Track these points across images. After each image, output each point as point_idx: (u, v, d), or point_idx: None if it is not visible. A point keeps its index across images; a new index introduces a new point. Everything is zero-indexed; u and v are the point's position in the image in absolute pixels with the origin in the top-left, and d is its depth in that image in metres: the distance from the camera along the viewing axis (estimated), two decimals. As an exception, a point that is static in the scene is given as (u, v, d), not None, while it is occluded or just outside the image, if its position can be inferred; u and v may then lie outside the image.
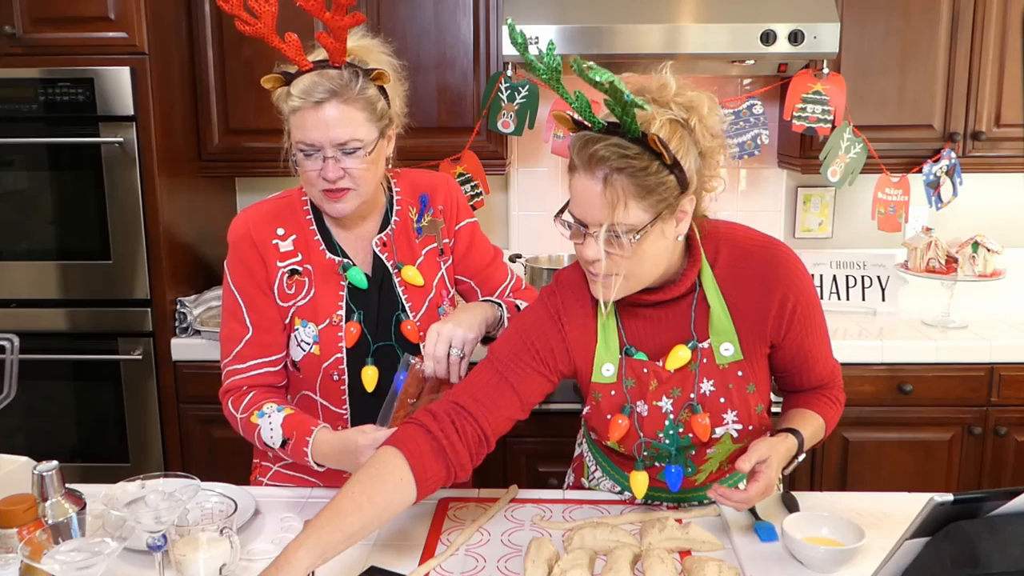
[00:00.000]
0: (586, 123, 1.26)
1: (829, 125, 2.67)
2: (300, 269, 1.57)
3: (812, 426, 1.45)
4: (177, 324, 2.67)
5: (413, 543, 1.44)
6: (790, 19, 2.48)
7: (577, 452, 1.76)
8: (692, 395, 1.41)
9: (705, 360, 1.41)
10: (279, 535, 1.46)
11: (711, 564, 1.28)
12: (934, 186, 2.80)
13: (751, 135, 2.81)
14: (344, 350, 1.57)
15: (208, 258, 2.95)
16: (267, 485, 1.69)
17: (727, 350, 1.40)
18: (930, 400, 2.63)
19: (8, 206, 2.59)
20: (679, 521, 1.43)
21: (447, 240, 1.67)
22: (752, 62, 2.66)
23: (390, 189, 1.66)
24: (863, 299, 2.99)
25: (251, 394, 1.57)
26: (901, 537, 1.01)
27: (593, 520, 1.47)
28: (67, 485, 1.34)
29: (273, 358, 1.59)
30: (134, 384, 2.66)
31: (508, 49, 2.51)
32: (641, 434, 1.44)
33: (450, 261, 1.68)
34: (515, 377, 1.41)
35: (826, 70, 2.64)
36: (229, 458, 2.71)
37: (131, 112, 2.51)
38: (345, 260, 1.59)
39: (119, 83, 2.49)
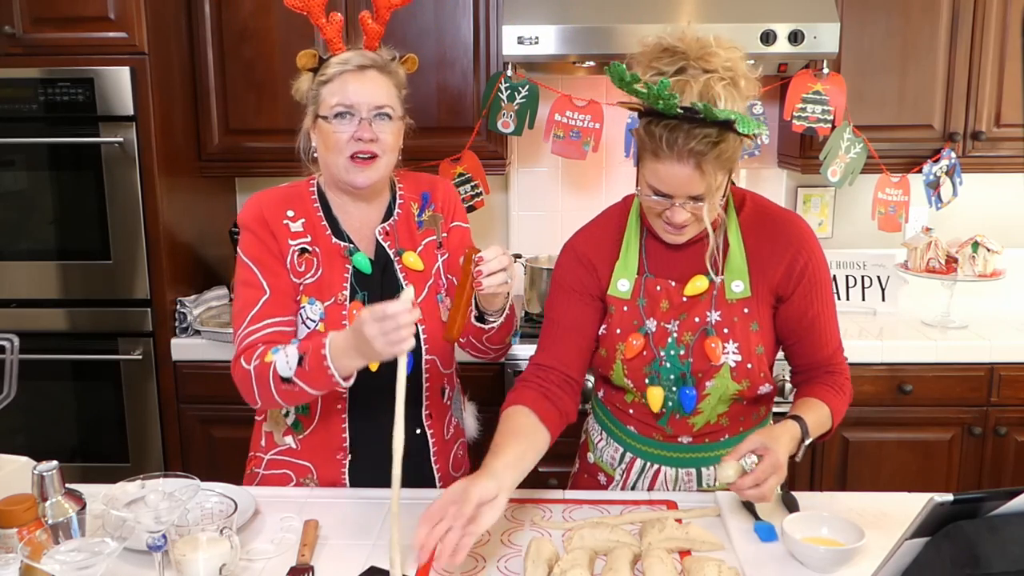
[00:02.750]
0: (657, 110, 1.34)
1: (829, 125, 2.67)
2: (310, 249, 1.62)
3: (817, 413, 1.49)
4: (177, 324, 2.67)
5: (413, 543, 1.44)
6: (790, 19, 2.48)
7: (582, 439, 1.80)
8: (697, 319, 1.53)
9: (716, 293, 1.53)
10: (279, 535, 1.46)
11: (711, 564, 1.28)
12: (934, 186, 2.80)
13: (751, 135, 2.80)
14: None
15: (208, 258, 2.95)
16: (262, 476, 1.71)
17: (737, 286, 1.52)
18: (930, 400, 2.63)
19: (8, 206, 2.59)
20: (679, 521, 1.43)
21: (445, 235, 1.73)
22: (752, 62, 2.65)
23: (394, 184, 1.73)
24: (863, 299, 2.99)
25: (263, 346, 1.56)
26: (901, 537, 1.01)
27: (593, 520, 1.47)
28: (67, 485, 1.33)
29: (288, 318, 1.60)
30: (134, 384, 2.66)
31: (508, 49, 2.51)
32: (654, 347, 1.54)
33: (447, 255, 1.72)
34: (567, 318, 1.57)
35: (826, 70, 2.64)
36: (229, 458, 2.70)
37: (131, 112, 2.51)
38: (350, 245, 1.64)
39: (119, 83, 2.49)
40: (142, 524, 1.19)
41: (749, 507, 1.53)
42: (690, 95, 1.32)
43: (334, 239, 1.64)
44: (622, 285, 1.55)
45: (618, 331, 1.55)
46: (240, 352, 1.58)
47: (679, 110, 1.31)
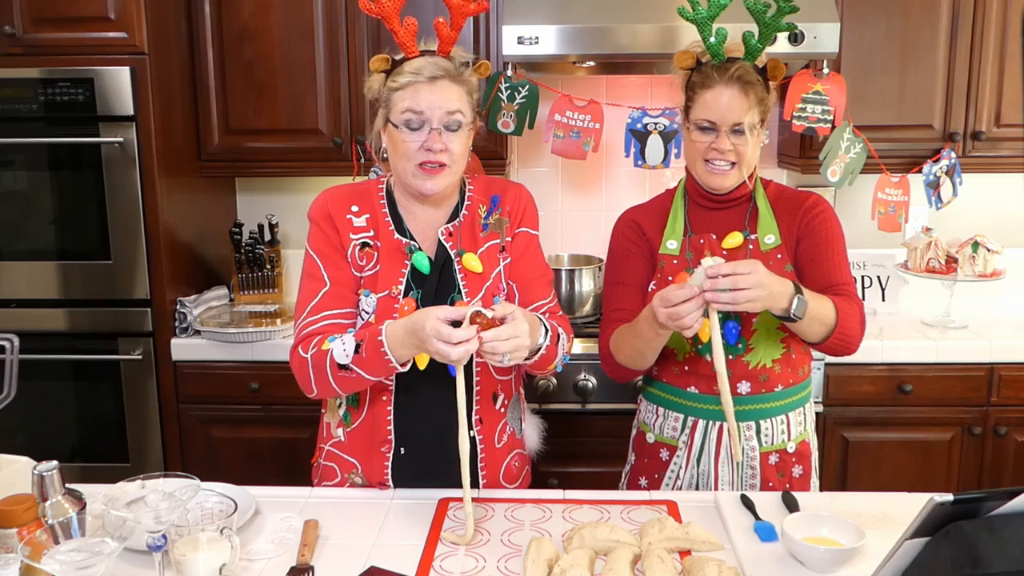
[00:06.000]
0: (702, 60, 1.73)
1: (829, 125, 2.67)
2: (371, 243, 1.65)
3: (817, 297, 1.64)
4: (177, 324, 2.67)
5: (413, 543, 1.44)
6: (790, 19, 2.47)
7: (634, 434, 1.91)
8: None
9: (751, 247, 1.77)
10: (279, 535, 1.46)
11: (711, 564, 1.28)
12: (934, 186, 2.80)
13: (751, 135, 2.80)
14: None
15: (208, 258, 2.95)
16: (322, 467, 1.74)
17: (770, 239, 1.77)
18: (930, 400, 2.63)
19: (8, 206, 2.59)
20: (678, 519, 1.43)
21: (509, 239, 1.71)
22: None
23: (464, 186, 1.73)
24: (863, 299, 2.99)
25: (320, 336, 1.59)
26: (901, 537, 1.01)
27: (593, 520, 1.47)
28: (67, 485, 1.34)
29: (346, 310, 1.63)
30: (134, 384, 2.66)
31: (508, 49, 2.51)
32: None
33: (508, 260, 1.70)
34: (628, 277, 1.83)
35: (826, 70, 2.64)
36: (229, 458, 2.71)
37: (131, 112, 2.51)
38: (412, 243, 1.66)
39: (119, 83, 2.49)
40: (142, 524, 1.19)
41: (749, 507, 1.53)
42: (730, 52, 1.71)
43: (396, 235, 1.66)
44: (671, 244, 1.80)
45: (670, 278, 1.76)
46: (298, 342, 1.62)
47: (724, 56, 1.70)
